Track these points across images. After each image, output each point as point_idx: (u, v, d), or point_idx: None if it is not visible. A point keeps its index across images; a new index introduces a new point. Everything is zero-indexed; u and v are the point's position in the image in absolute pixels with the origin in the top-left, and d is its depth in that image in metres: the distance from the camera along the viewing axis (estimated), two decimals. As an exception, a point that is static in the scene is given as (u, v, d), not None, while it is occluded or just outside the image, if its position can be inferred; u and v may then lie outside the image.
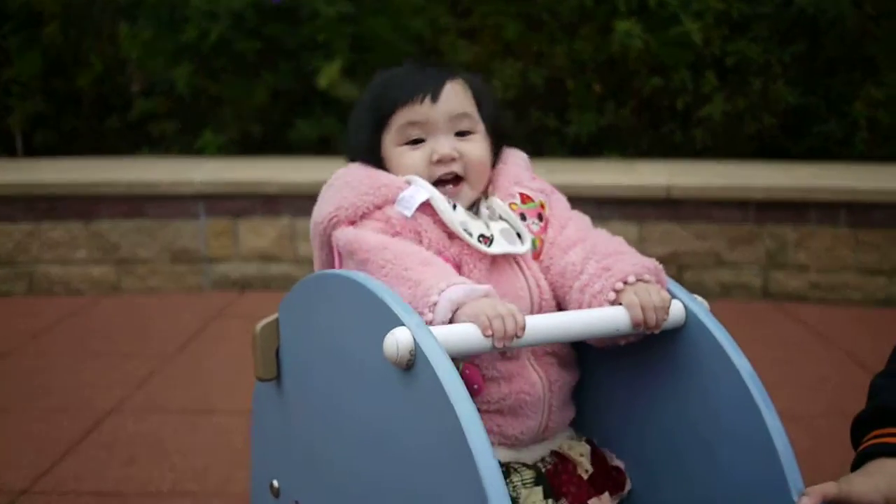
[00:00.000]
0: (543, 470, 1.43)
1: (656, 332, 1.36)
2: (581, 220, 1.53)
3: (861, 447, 1.37)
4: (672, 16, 5.41)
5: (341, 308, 1.34)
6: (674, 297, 1.40)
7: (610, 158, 5.61)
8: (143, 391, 3.33)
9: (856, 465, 1.35)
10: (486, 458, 1.05)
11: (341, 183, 1.45)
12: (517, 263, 1.44)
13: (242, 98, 5.70)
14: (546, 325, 1.31)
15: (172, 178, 4.82)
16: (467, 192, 1.47)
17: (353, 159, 1.51)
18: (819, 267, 4.62)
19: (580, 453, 1.47)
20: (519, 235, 1.44)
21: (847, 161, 5.48)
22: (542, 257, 1.48)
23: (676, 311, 1.38)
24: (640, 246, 4.65)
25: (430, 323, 1.24)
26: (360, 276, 1.31)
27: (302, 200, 4.47)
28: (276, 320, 1.51)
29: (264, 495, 1.61)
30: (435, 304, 1.25)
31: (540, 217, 1.49)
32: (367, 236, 1.37)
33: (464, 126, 1.47)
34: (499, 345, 1.23)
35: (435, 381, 1.11)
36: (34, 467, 2.70)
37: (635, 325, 1.34)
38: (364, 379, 1.27)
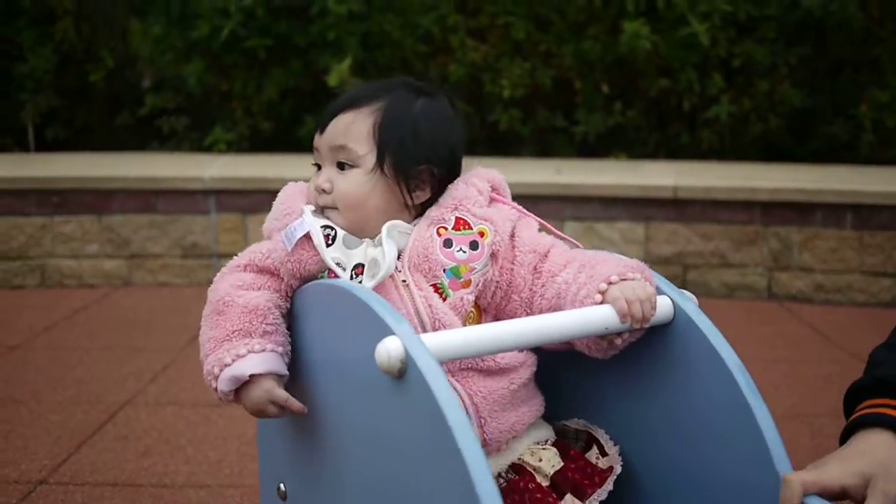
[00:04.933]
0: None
1: (645, 325, 1.37)
2: (562, 245, 1.52)
3: (853, 416, 1.36)
4: (680, 17, 5.45)
5: (334, 317, 1.37)
6: (662, 293, 1.40)
7: (617, 158, 5.66)
8: (156, 384, 3.38)
9: (845, 434, 1.34)
10: (477, 461, 1.07)
11: (279, 195, 1.56)
12: (406, 285, 1.42)
13: (252, 95, 5.75)
14: (533, 326, 1.32)
15: (183, 174, 4.87)
16: (341, 222, 1.46)
17: None
18: (824, 268, 4.66)
19: (539, 458, 1.44)
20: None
21: (852, 163, 5.52)
22: (485, 285, 1.47)
23: (664, 306, 1.39)
24: (646, 246, 4.70)
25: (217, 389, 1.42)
26: (354, 286, 1.33)
27: (312, 197, 4.51)
28: None
29: (273, 498, 1.63)
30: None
31: (474, 245, 1.46)
32: (222, 286, 1.48)
33: (341, 158, 1.48)
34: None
35: (426, 388, 1.13)
36: (51, 458, 2.75)
37: (622, 317, 1.34)
38: (358, 386, 1.29)
